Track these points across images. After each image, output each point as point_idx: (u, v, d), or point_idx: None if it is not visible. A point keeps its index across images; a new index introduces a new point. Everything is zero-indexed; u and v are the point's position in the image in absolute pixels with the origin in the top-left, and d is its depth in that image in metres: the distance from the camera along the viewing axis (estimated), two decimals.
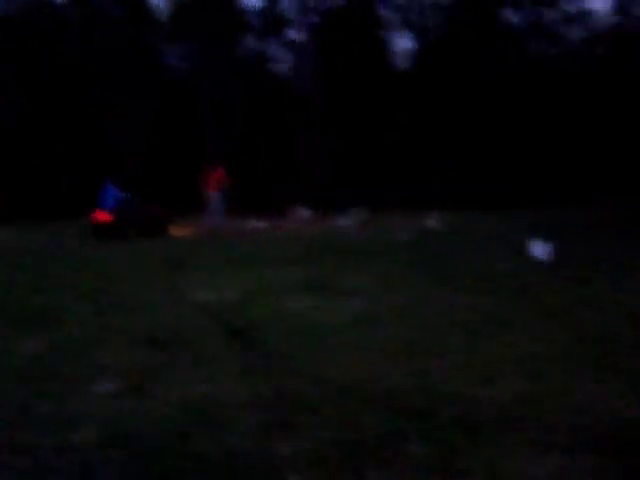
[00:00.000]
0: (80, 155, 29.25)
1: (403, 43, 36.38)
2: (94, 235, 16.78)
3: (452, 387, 4.57)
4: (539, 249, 11.27)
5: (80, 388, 4.77)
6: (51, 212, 25.16)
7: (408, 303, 7.39)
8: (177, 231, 17.98)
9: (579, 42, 34.19)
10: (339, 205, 22.04)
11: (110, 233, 16.42)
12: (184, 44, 33.96)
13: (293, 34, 35.64)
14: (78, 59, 30.19)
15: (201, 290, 8.50)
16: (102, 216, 17.04)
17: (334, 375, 4.85)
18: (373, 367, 5.03)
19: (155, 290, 8.67)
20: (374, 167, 28.24)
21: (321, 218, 21.78)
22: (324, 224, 19.69)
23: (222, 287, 8.64)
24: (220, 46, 30.78)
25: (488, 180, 26.58)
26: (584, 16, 33.36)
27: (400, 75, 35.17)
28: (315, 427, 3.94)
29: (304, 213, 22.12)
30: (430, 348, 5.50)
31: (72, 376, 5.03)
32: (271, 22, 35.41)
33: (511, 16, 34.79)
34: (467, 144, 27.88)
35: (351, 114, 29.84)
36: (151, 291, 8.60)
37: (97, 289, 8.91)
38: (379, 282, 8.77)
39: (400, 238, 14.92)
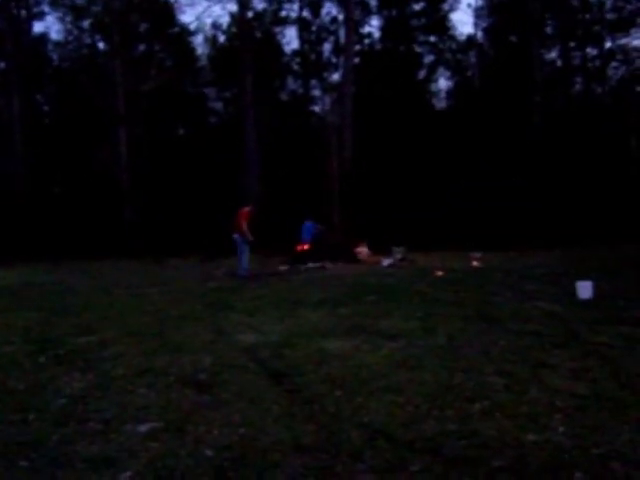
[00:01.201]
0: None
1: (442, 83, 36.73)
2: (296, 261, 20.06)
3: (496, 432, 4.47)
4: (583, 288, 11.09)
5: (120, 428, 4.78)
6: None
7: (449, 345, 7.30)
8: (369, 259, 21.29)
9: (620, 80, 34.12)
10: (381, 245, 22.02)
11: (308, 259, 19.83)
12: (227, 88, 34.66)
13: (332, 75, 36.20)
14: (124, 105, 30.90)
15: (244, 331, 8.52)
16: (302, 246, 20.85)
17: (376, 419, 4.79)
18: (415, 411, 4.95)
19: (199, 330, 8.70)
20: (414, 206, 28.20)
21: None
22: (365, 265, 19.68)
23: (264, 328, 8.66)
24: (263, 89, 31.21)
25: (523, 220, 26.37)
26: (625, 53, 33.31)
27: (438, 114, 35.38)
28: (358, 473, 3.89)
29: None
30: (472, 391, 5.40)
31: (113, 415, 5.05)
32: (311, 64, 35.95)
33: (554, 54, 34.99)
34: (506, 184, 27.69)
35: (389, 153, 29.94)
36: (195, 331, 8.63)
37: (143, 328, 9.01)
38: (420, 323, 8.69)
39: (442, 277, 14.85)
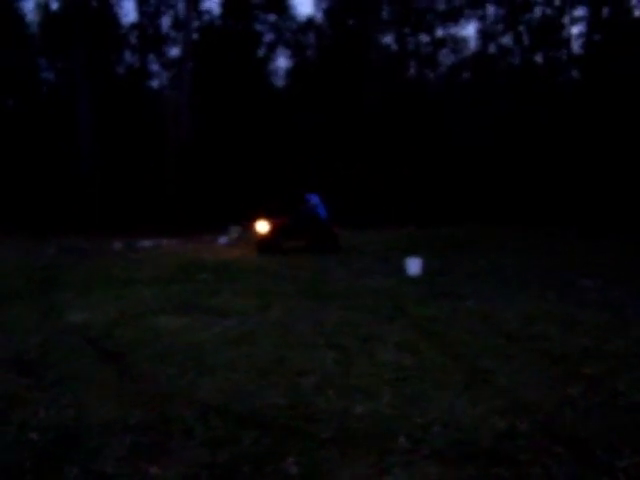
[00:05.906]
0: None
1: (281, 61, 36.84)
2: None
3: (325, 405, 4.62)
4: (412, 264, 11.57)
5: None
6: None
7: (281, 321, 7.42)
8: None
9: (449, 67, 35.83)
10: (216, 224, 21.89)
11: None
12: (59, 58, 33.12)
13: (172, 51, 35.49)
14: None
15: (74, 310, 8.23)
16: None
17: (208, 396, 4.82)
18: (247, 386, 5.02)
19: (26, 310, 8.32)
20: (253, 185, 28.21)
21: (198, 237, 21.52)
22: (202, 242, 19.49)
23: (96, 307, 8.40)
24: (97, 61, 30.06)
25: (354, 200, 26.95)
26: (455, 42, 35.01)
27: (277, 92, 35.59)
28: (189, 449, 3.91)
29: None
30: (303, 365, 5.54)
31: None
32: (149, 38, 35.05)
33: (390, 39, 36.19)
34: (337, 165, 28.21)
35: (230, 130, 29.76)
36: (22, 311, 8.25)
37: None
38: (253, 300, 8.74)
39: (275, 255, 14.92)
